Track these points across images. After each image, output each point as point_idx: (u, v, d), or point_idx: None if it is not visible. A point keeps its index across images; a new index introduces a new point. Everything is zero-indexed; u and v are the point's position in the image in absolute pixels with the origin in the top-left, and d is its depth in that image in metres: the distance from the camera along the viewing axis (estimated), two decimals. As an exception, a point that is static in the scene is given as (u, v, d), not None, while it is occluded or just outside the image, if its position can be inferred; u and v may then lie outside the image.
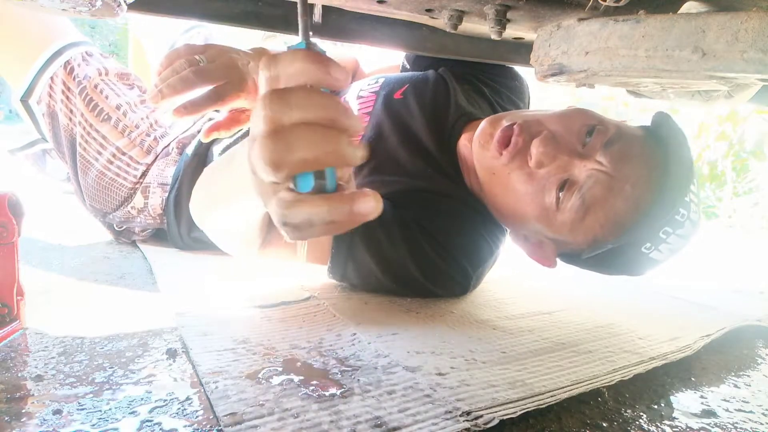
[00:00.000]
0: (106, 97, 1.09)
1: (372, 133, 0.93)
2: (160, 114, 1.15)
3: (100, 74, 1.11)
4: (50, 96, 1.08)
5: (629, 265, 0.79)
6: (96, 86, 1.09)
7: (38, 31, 1.09)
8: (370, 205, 0.32)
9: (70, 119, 1.09)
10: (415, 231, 0.80)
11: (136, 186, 1.08)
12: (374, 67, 1.24)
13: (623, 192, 0.73)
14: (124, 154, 1.08)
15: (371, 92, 0.99)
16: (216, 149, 1.06)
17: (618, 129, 0.76)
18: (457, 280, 0.84)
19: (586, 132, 0.75)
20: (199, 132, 1.09)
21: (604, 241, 0.76)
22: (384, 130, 0.92)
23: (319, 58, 0.32)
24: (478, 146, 0.82)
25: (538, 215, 0.78)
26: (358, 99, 0.99)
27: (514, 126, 0.77)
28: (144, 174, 1.08)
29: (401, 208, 0.82)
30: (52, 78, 1.08)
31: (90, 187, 1.10)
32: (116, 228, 1.12)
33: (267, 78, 0.33)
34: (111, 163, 1.08)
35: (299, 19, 0.37)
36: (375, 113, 0.95)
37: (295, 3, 0.38)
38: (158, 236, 1.15)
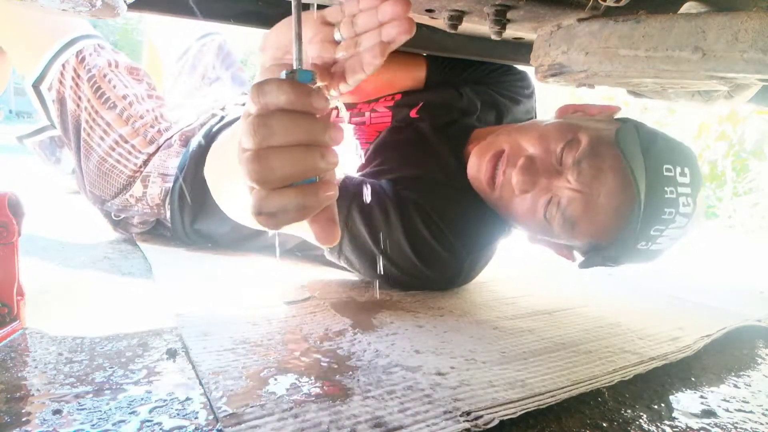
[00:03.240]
0: (114, 87, 1.11)
1: (383, 142, 0.97)
2: (167, 110, 1.18)
3: (110, 65, 1.13)
4: (61, 83, 1.11)
5: (635, 258, 0.82)
6: (105, 75, 1.11)
7: (53, 22, 1.12)
8: (333, 193, 0.38)
9: (78, 105, 1.11)
10: (410, 208, 0.82)
11: (136, 174, 1.09)
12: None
13: (598, 205, 0.76)
14: (126, 141, 1.09)
15: (386, 107, 1.03)
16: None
17: (590, 142, 0.77)
18: (449, 262, 0.85)
19: (561, 149, 0.79)
20: (202, 126, 1.11)
21: (599, 244, 0.81)
22: (397, 143, 0.96)
23: (303, 89, 0.36)
24: (472, 177, 0.88)
25: (539, 229, 0.84)
26: (372, 113, 1.02)
27: (499, 157, 0.83)
28: (145, 163, 1.09)
29: (402, 189, 0.84)
30: (63, 65, 1.10)
31: (91, 172, 1.11)
32: (114, 217, 1.14)
33: (256, 107, 0.37)
34: (113, 149, 1.09)
35: (294, 43, 0.39)
36: (388, 128, 0.99)
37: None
38: (158, 233, 1.16)
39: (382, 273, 0.85)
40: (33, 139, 1.24)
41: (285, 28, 0.60)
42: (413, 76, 1.03)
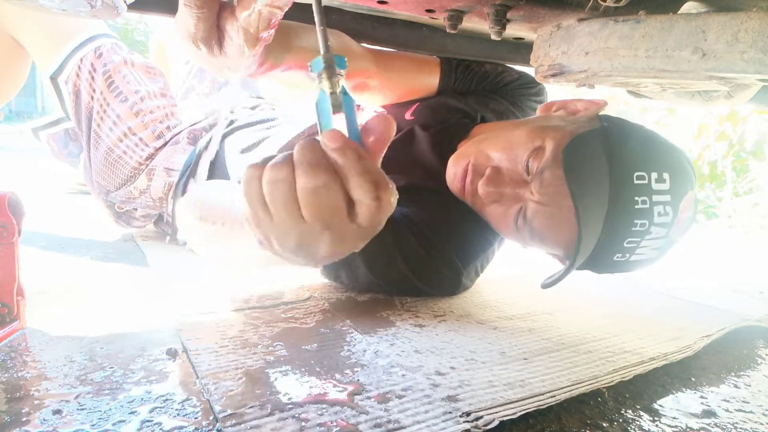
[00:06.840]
0: (128, 82, 1.13)
1: None
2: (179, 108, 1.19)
3: (125, 63, 1.15)
4: (77, 76, 1.12)
5: (614, 269, 0.77)
6: (119, 71, 1.13)
7: (74, 20, 1.13)
8: None
9: (92, 97, 1.12)
10: (404, 228, 0.81)
11: (141, 167, 1.10)
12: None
13: (562, 217, 0.71)
14: (134, 134, 1.11)
15: (383, 107, 1.02)
16: (229, 141, 1.07)
17: (554, 149, 0.72)
18: (446, 275, 0.84)
19: (527, 157, 0.74)
20: (210, 126, 1.11)
21: (572, 255, 0.75)
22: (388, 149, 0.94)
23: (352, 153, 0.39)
24: (449, 184, 0.84)
25: (513, 237, 0.80)
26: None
27: (467, 167, 0.79)
28: (151, 157, 1.11)
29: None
30: (81, 59, 1.12)
31: (98, 162, 1.13)
32: (117, 209, 1.15)
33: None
34: (121, 140, 1.10)
35: (318, 32, 0.38)
36: None
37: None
38: (159, 231, 1.16)
39: (378, 290, 0.86)
40: (48, 131, 1.25)
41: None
42: (428, 84, 1.00)
